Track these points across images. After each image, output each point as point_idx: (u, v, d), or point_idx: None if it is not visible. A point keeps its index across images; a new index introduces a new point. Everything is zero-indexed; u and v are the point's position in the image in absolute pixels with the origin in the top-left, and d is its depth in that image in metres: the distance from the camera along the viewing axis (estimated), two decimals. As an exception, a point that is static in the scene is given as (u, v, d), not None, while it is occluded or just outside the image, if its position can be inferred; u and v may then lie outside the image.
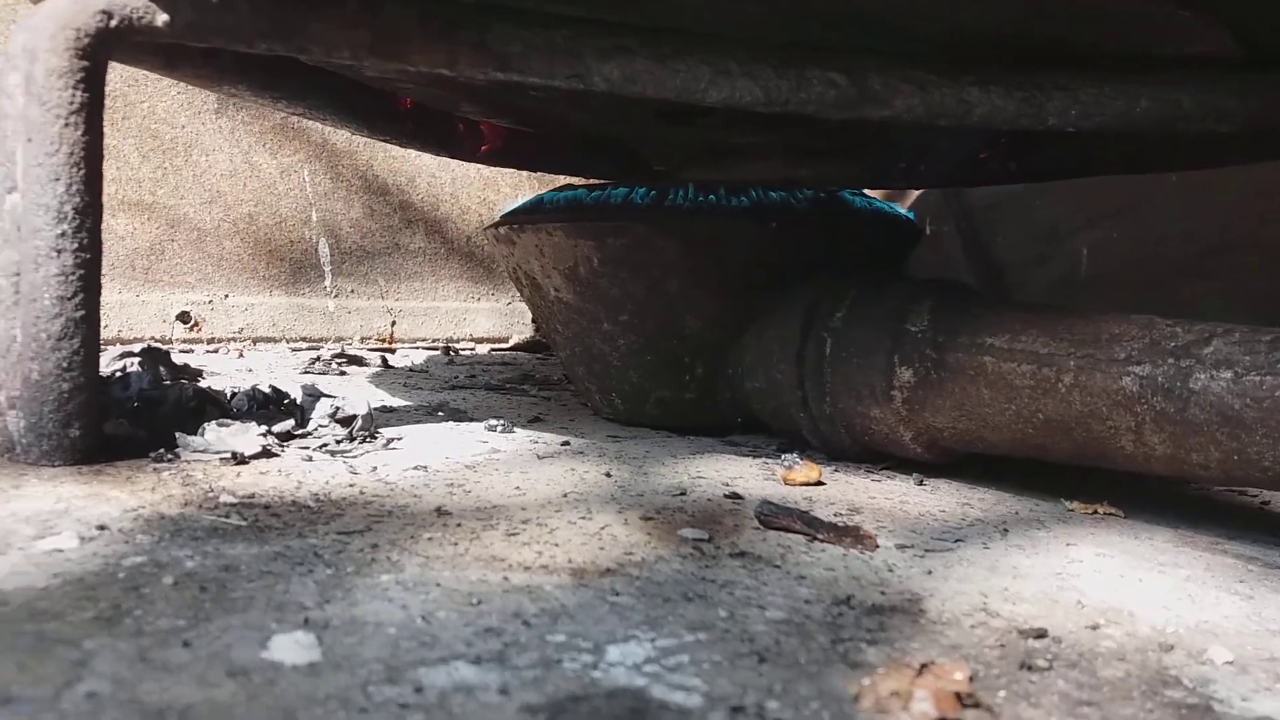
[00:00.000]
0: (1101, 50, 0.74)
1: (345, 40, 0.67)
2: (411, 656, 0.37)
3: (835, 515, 0.62)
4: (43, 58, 0.65)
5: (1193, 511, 0.67)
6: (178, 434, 0.70)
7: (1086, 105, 0.71)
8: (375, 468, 0.69)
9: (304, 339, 1.43)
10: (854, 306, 0.75)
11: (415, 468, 0.69)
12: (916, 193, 2.39)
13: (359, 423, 0.77)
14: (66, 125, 0.66)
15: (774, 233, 0.80)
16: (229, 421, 0.73)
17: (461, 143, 1.07)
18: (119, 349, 0.80)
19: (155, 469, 0.65)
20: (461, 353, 1.54)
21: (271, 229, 1.44)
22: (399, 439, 0.80)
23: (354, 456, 0.73)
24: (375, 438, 0.78)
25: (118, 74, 1.33)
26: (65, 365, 0.64)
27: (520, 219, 0.87)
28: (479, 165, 1.67)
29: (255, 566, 0.47)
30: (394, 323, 1.54)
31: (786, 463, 0.71)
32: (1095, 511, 0.66)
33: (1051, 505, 0.67)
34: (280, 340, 1.41)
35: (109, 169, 1.32)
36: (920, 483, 0.72)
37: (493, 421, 0.86)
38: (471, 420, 0.90)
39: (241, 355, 1.28)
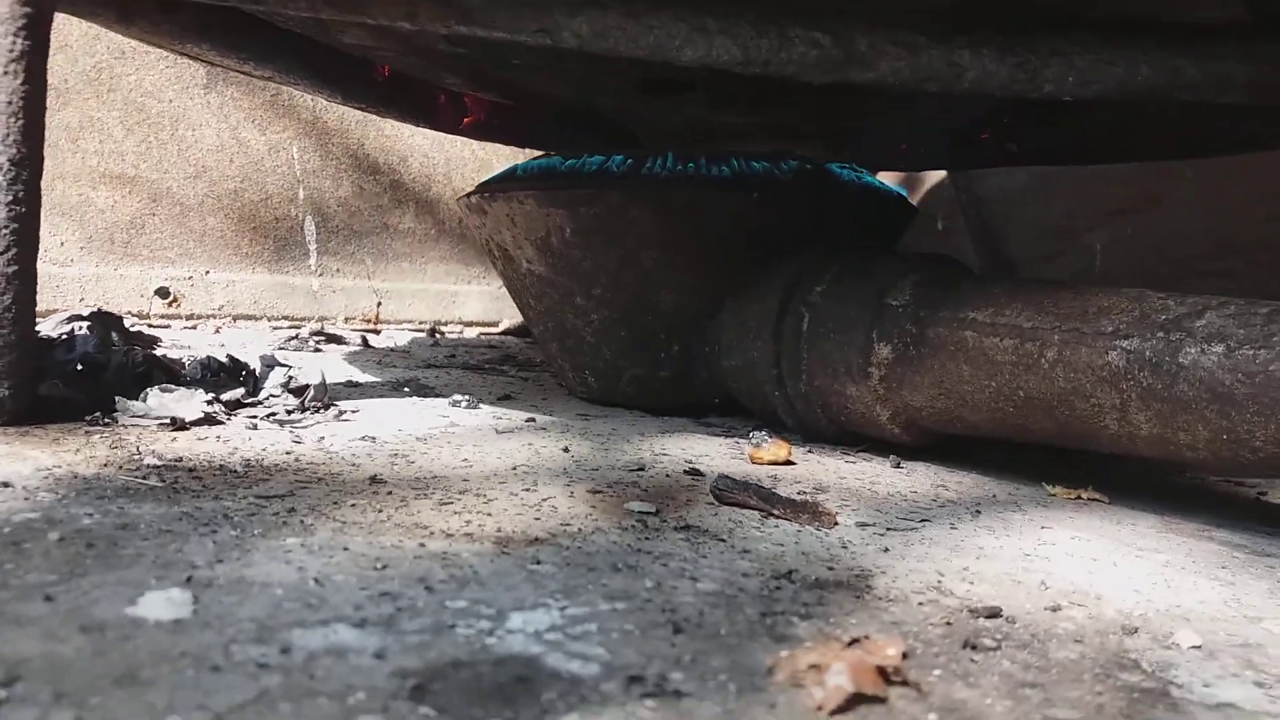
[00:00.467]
0: (1102, 14, 0.70)
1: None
2: (290, 618, 0.34)
3: (799, 493, 0.58)
4: (-17, 2, 0.63)
5: (1183, 499, 0.63)
6: (118, 399, 0.67)
7: (1084, 72, 0.67)
8: (322, 438, 0.66)
9: (286, 318, 1.40)
10: (835, 281, 0.71)
11: (363, 438, 0.66)
12: (928, 187, 2.36)
13: (311, 393, 0.74)
14: (4, 73, 0.63)
15: (756, 203, 0.76)
16: (173, 388, 0.70)
17: (442, 114, 1.04)
18: (67, 313, 0.77)
19: (87, 432, 0.62)
20: (448, 336, 1.50)
21: (257, 205, 1.41)
22: (355, 411, 0.77)
23: (303, 426, 0.70)
24: (328, 408, 0.75)
25: (105, 45, 1.30)
26: (-5, 321, 0.61)
27: (492, 188, 0.84)
28: (474, 146, 1.64)
29: (156, 526, 0.43)
30: (380, 303, 1.51)
31: (755, 441, 0.67)
32: (1079, 497, 0.62)
33: (1032, 489, 0.63)
34: (261, 318, 1.38)
35: (91, 143, 1.30)
36: (897, 465, 0.69)
37: (458, 397, 0.83)
38: (438, 396, 0.86)
39: (218, 331, 1.25)
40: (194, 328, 1.31)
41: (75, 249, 1.26)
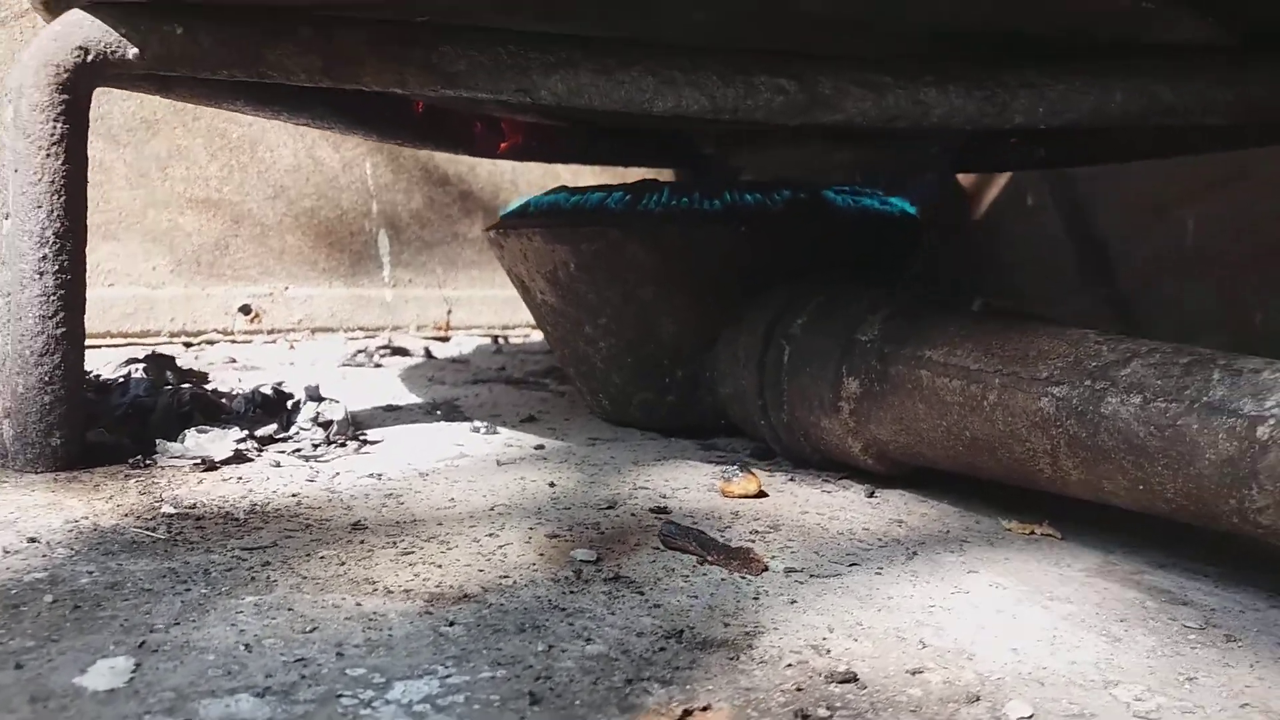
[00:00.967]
0: (1076, 42, 0.71)
1: (300, 65, 0.69)
2: (207, 686, 0.40)
3: (751, 533, 0.62)
4: (27, 93, 0.71)
5: (1140, 534, 0.63)
6: (159, 441, 0.75)
7: (1055, 102, 0.68)
8: (337, 474, 0.73)
9: (361, 328, 1.49)
10: (814, 314, 0.74)
11: (371, 475, 0.73)
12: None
13: (335, 427, 0.81)
14: (48, 156, 0.71)
15: (745, 237, 0.79)
16: (208, 428, 0.77)
17: (481, 141, 1.10)
18: (124, 356, 0.86)
19: (127, 475, 0.70)
20: (512, 341, 1.57)
21: (333, 222, 1.49)
22: (379, 441, 0.83)
23: (324, 461, 0.77)
24: (356, 439, 0.82)
25: (187, 79, 1.40)
26: (47, 379, 0.70)
27: (506, 223, 0.89)
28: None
29: (141, 584, 0.50)
30: (450, 311, 1.59)
31: (727, 475, 0.70)
32: (1032, 532, 0.63)
33: (991, 523, 0.65)
34: (338, 330, 1.47)
35: (178, 170, 1.40)
36: (870, 494, 0.71)
37: (478, 423, 0.89)
38: (465, 420, 0.92)
39: (292, 348, 1.34)
40: (274, 342, 1.41)
41: (166, 272, 1.37)
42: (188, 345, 1.35)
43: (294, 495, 0.67)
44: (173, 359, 0.89)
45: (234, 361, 1.22)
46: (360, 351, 1.31)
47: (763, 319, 0.77)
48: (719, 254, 0.79)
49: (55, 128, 0.71)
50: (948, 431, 0.63)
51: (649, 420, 0.89)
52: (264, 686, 0.40)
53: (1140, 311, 2.13)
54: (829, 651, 0.45)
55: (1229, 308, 1.88)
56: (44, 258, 0.70)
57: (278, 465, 0.75)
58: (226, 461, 0.74)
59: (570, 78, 0.67)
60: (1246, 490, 0.47)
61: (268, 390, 0.89)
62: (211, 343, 1.38)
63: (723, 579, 0.54)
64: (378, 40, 0.67)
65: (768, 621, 0.48)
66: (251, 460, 0.76)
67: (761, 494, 0.70)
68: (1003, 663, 0.44)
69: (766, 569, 0.55)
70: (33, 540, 0.56)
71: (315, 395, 0.88)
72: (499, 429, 0.89)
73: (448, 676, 0.41)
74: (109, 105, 1.36)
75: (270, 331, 1.42)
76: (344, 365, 1.24)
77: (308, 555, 0.55)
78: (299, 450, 0.78)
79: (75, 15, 0.70)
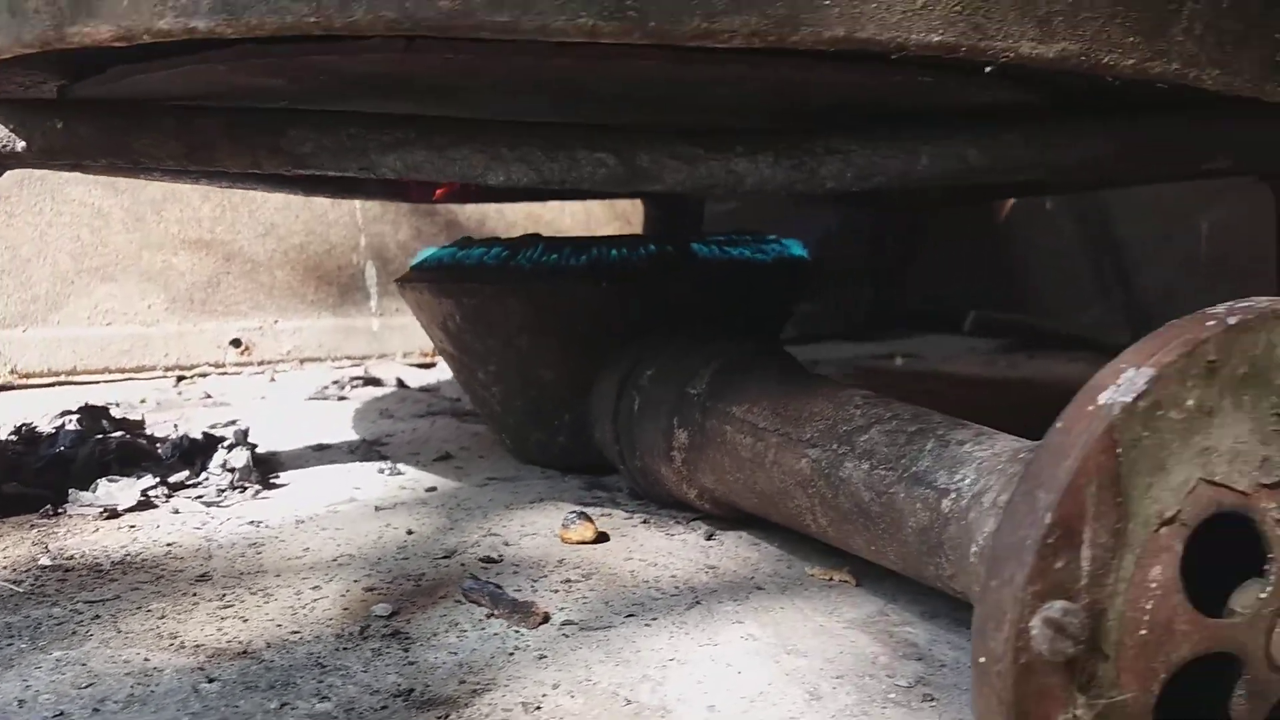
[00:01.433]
0: (888, 108, 0.73)
1: (165, 152, 0.76)
2: (-38, 743, 0.46)
3: (563, 581, 0.66)
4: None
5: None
6: (71, 490, 0.83)
7: (861, 168, 0.71)
8: (224, 521, 0.79)
9: (348, 357, 1.56)
10: (660, 366, 0.78)
11: (251, 523, 0.79)
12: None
13: (237, 474, 0.87)
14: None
15: (605, 292, 0.83)
16: (118, 477, 0.85)
17: (413, 191, 1.16)
18: (59, 409, 0.94)
19: (32, 525, 0.78)
20: (491, 365, 1.63)
21: (321, 256, 1.57)
22: (284, 485, 0.90)
23: (224, 506, 0.84)
24: (261, 485, 0.88)
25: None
26: (-39, 440, 0.78)
27: (407, 276, 0.95)
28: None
29: (-27, 640, 0.57)
30: (432, 338, 1.65)
31: (566, 521, 0.75)
32: (831, 578, 0.66)
33: (799, 569, 0.68)
34: (326, 360, 1.55)
35: (173, 212, 1.49)
36: (709, 537, 0.75)
37: (384, 464, 0.95)
38: (381, 459, 0.98)
39: (273, 380, 1.42)
40: (262, 373, 1.49)
41: (161, 310, 1.46)
42: (180, 379, 1.45)
43: (169, 545, 0.74)
44: (106, 409, 0.97)
45: (208, 397, 1.31)
46: (334, 383, 1.38)
47: (619, 370, 0.81)
48: (584, 308, 0.84)
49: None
50: (744, 483, 0.66)
51: (545, 459, 0.94)
52: (9, 744, 0.46)
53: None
54: (538, 709, 0.49)
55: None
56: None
57: (177, 512, 0.82)
58: (131, 509, 0.82)
59: (406, 155, 0.72)
60: (938, 558, 0.50)
61: (197, 435, 0.96)
62: (204, 375, 1.48)
63: (495, 633, 0.59)
64: (231, 127, 0.73)
65: (503, 679, 0.53)
66: (156, 507, 0.83)
67: (601, 538, 0.74)
68: (687, 722, 0.48)
69: (546, 621, 0.60)
70: (-91, 596, 0.63)
71: (242, 439, 0.95)
72: (406, 469, 0.95)
73: (173, 734, 0.47)
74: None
75: (260, 363, 1.50)
76: (310, 399, 1.31)
77: (138, 608, 0.62)
78: (202, 497, 0.85)
79: (-26, 116, 0.77)
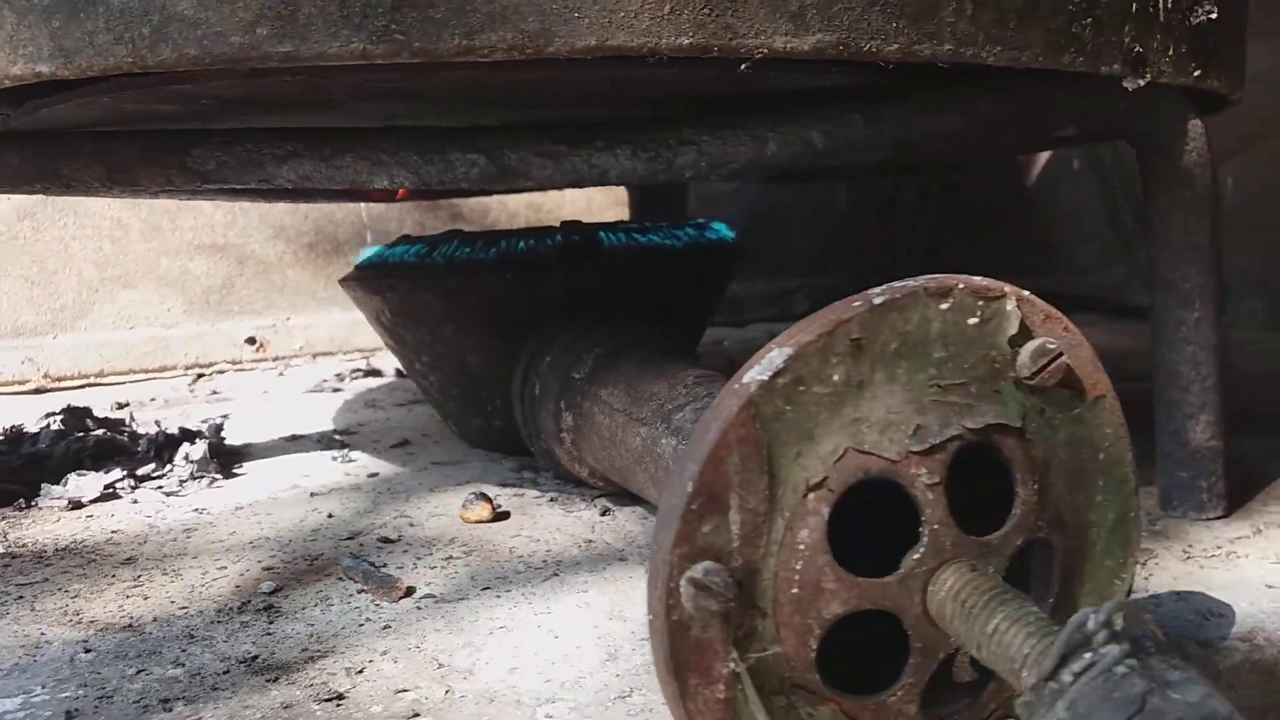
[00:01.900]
0: (736, 97, 0.76)
1: (89, 176, 0.83)
2: None
3: (445, 559, 0.71)
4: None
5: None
6: (43, 485, 0.91)
7: (714, 157, 0.73)
8: (173, 509, 0.87)
9: (358, 350, 1.64)
10: (556, 352, 0.82)
11: (196, 510, 0.86)
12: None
13: (196, 466, 0.95)
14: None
15: (515, 282, 0.88)
16: (86, 471, 0.93)
17: (377, 192, 1.21)
18: (44, 411, 1.03)
19: (4, 518, 0.86)
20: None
21: (330, 254, 1.65)
22: (242, 475, 0.97)
23: (181, 496, 0.91)
24: (222, 474, 0.95)
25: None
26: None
27: (347, 275, 1.01)
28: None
29: (-92, 621, 0.65)
30: (436, 328, 1.72)
31: (466, 503, 0.80)
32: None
33: (669, 541, 0.72)
34: (337, 353, 1.63)
35: (187, 220, 1.59)
36: (604, 512, 0.79)
37: (338, 453, 1.01)
38: (341, 448, 1.05)
39: (282, 374, 1.50)
40: (275, 368, 1.58)
41: (179, 313, 1.56)
42: (199, 376, 1.54)
43: (114, 532, 0.81)
44: (88, 409, 1.05)
45: (215, 394, 1.40)
46: (335, 375, 1.46)
47: (524, 356, 0.85)
48: (494, 299, 0.88)
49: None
50: (608, 461, 0.71)
51: (486, 443, 0.99)
52: (-105, 708, 0.53)
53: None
54: (360, 673, 0.55)
55: (1267, 269, 1.81)
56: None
57: (135, 503, 0.89)
58: (95, 500, 0.90)
59: (297, 166, 0.78)
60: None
61: (173, 430, 1.04)
62: (221, 373, 1.57)
63: (356, 607, 0.64)
64: (143, 150, 0.80)
65: (341, 646, 0.58)
66: (119, 498, 0.91)
67: (500, 517, 0.79)
68: (485, 682, 0.53)
69: (409, 595, 0.65)
70: None
71: (214, 433, 1.03)
72: (358, 456, 1.01)
73: (33, 696, 0.53)
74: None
75: (275, 359, 1.59)
76: (308, 392, 1.39)
77: (58, 590, 0.69)
78: (163, 487, 0.93)
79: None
